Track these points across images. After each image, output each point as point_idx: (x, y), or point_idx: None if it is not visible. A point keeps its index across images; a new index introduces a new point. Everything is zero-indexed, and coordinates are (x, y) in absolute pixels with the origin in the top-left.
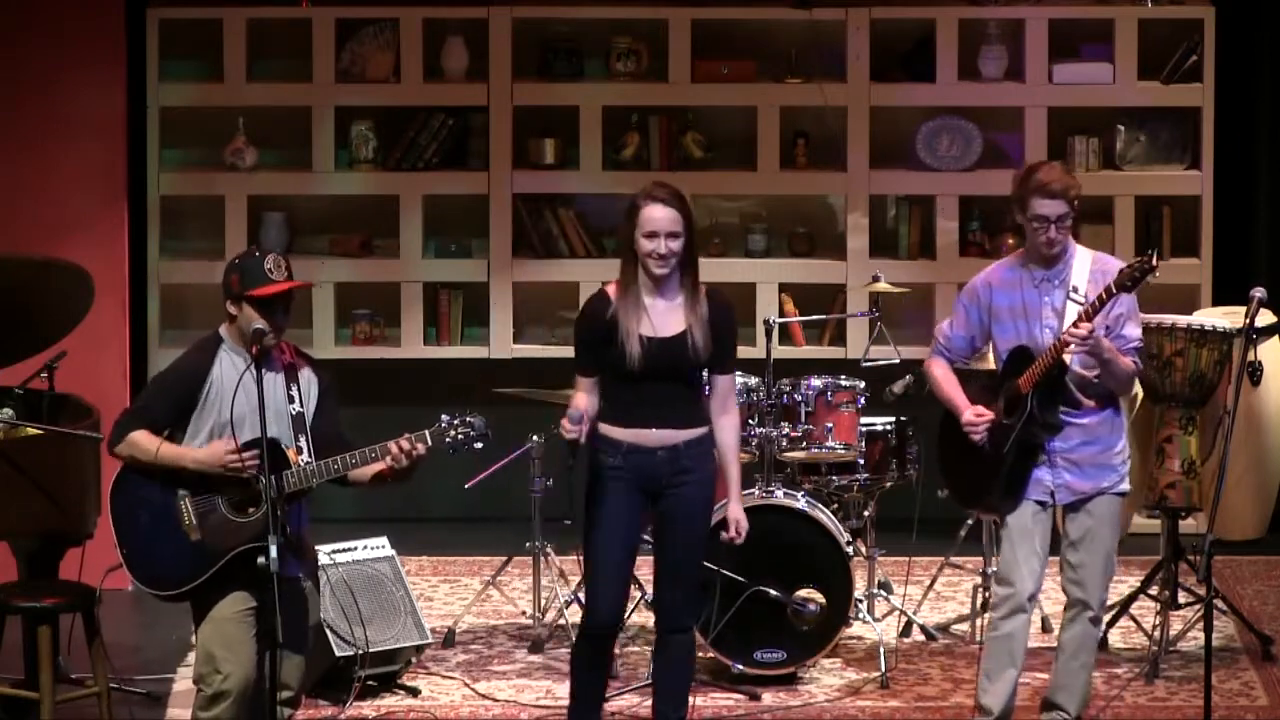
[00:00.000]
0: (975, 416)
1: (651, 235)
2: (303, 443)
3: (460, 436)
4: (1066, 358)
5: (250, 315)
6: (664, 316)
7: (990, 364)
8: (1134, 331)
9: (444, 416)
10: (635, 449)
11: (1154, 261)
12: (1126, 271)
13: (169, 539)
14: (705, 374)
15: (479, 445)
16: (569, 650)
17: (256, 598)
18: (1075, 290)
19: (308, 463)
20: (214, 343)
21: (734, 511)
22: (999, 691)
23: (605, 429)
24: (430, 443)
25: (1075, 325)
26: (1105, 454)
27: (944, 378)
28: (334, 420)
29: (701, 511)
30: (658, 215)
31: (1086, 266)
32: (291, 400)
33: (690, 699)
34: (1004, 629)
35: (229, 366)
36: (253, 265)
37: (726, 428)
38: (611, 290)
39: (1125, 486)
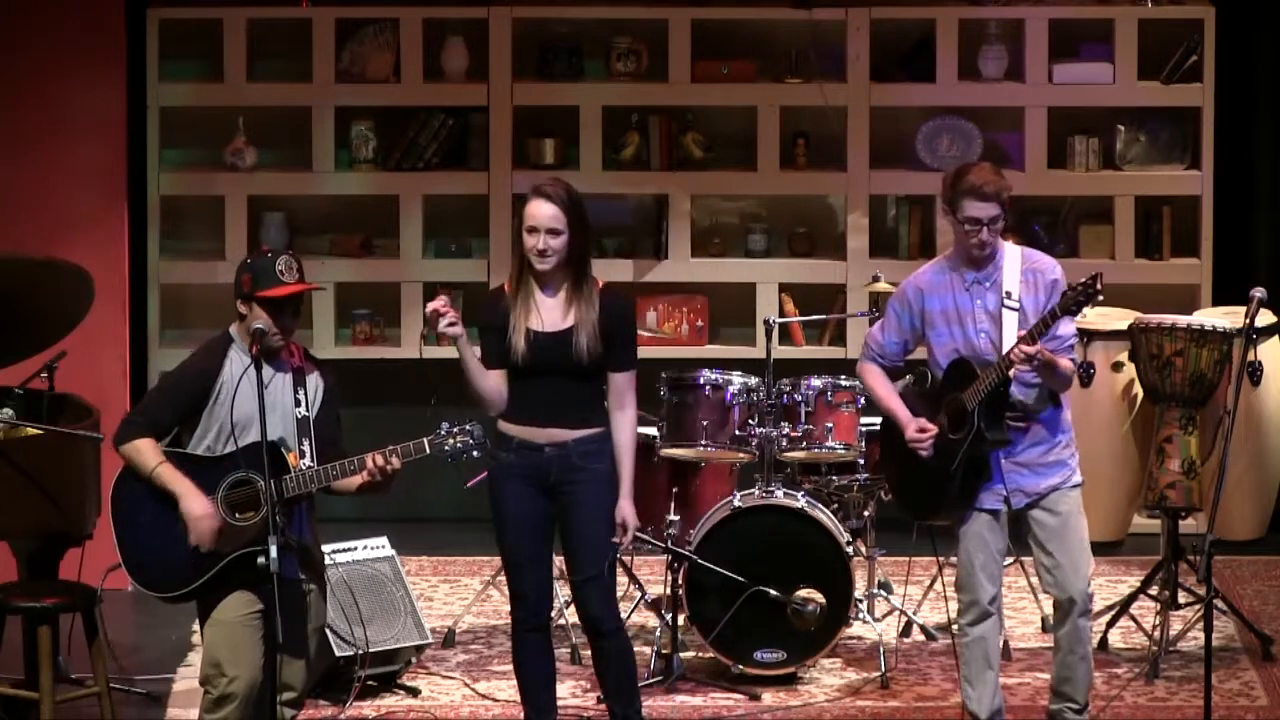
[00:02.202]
0: (919, 432)
1: (532, 230)
2: (305, 446)
3: (459, 445)
4: (1011, 373)
5: (260, 316)
6: (553, 312)
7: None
8: (1068, 329)
9: (444, 424)
10: (524, 445)
11: (1098, 285)
12: (1070, 295)
13: (168, 541)
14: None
15: (477, 454)
16: (568, 650)
17: (262, 600)
18: (1009, 295)
19: (309, 467)
20: (224, 343)
21: (622, 509)
22: (983, 696)
23: (500, 424)
24: (428, 450)
25: (1020, 347)
26: (1051, 451)
27: (880, 386)
28: (333, 425)
29: (596, 506)
30: (538, 211)
31: (1017, 267)
32: (298, 403)
33: (639, 694)
34: (974, 634)
35: (239, 366)
36: (265, 266)
37: (622, 424)
38: (508, 287)
39: (1079, 478)
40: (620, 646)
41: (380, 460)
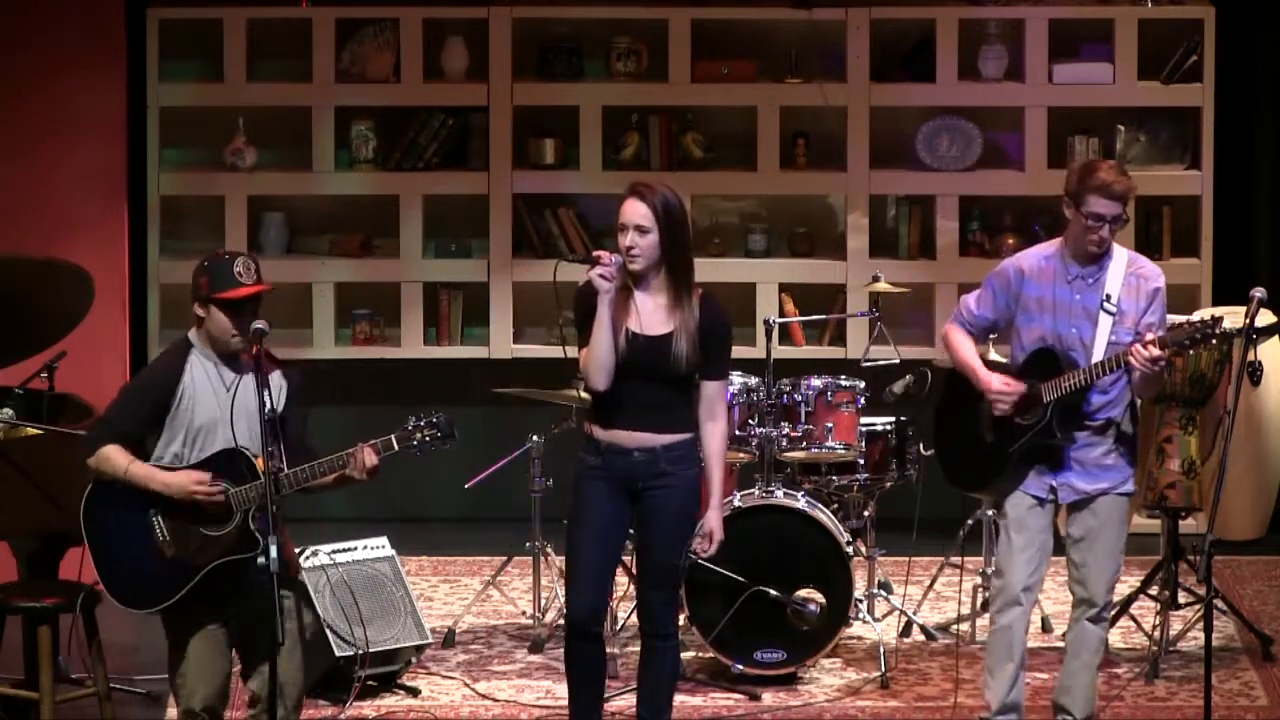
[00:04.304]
0: (1005, 385)
1: (622, 229)
2: (275, 448)
3: (427, 438)
4: (1100, 380)
5: (217, 319)
6: (652, 315)
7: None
8: None
9: (410, 419)
10: (613, 449)
11: (1216, 330)
12: (1184, 330)
13: (143, 556)
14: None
15: (445, 445)
16: None
17: (229, 613)
18: (1109, 298)
19: (279, 470)
20: (184, 348)
21: (710, 521)
22: (998, 686)
23: (588, 428)
24: (396, 447)
25: (1150, 349)
26: (1111, 455)
27: (963, 347)
28: (300, 424)
29: (678, 515)
30: (627, 209)
31: (1121, 270)
32: (263, 404)
33: (672, 705)
34: (1000, 622)
35: (200, 372)
36: (222, 268)
37: (713, 434)
38: None
39: (1130, 487)
40: (673, 657)
41: (370, 459)
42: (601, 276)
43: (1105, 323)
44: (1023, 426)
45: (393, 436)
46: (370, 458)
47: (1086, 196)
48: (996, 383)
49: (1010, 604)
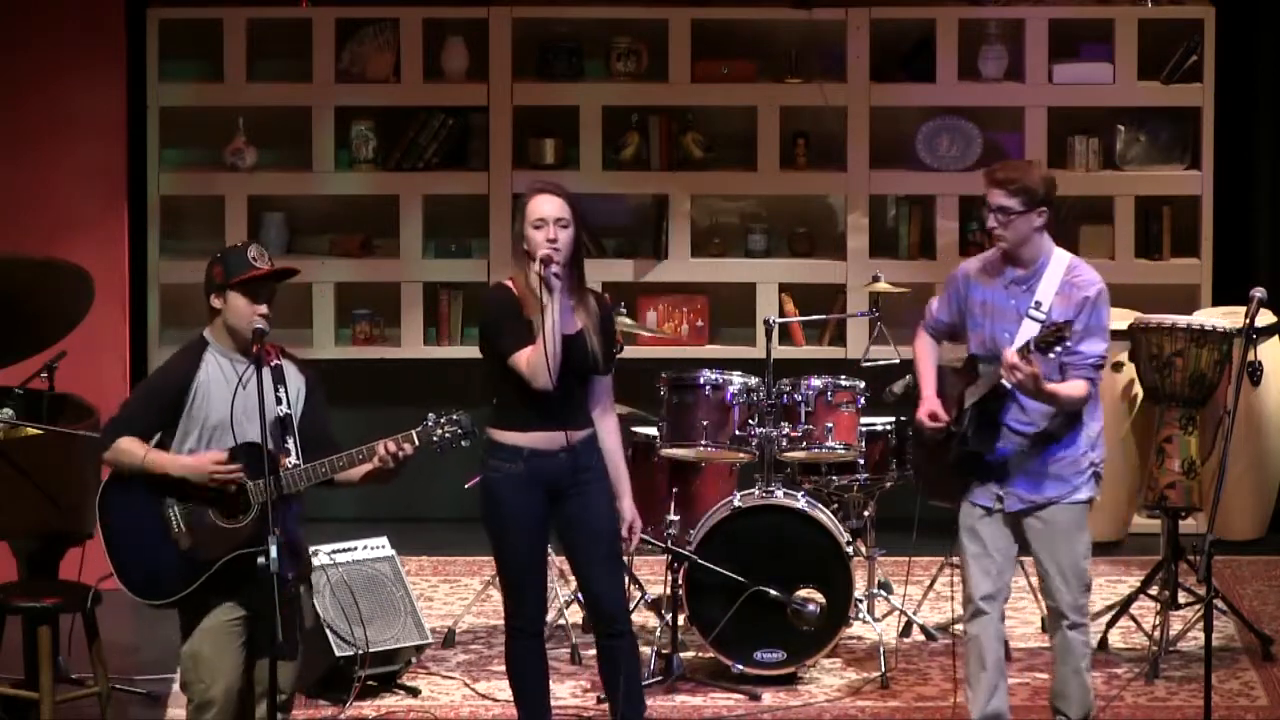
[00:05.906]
0: (926, 418)
1: (541, 223)
2: (290, 444)
3: (448, 435)
4: (1003, 383)
5: (236, 305)
6: (564, 315)
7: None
8: (1094, 348)
9: (430, 415)
10: (537, 453)
11: (1066, 333)
12: (1039, 334)
13: (159, 548)
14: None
15: (465, 443)
16: (568, 650)
17: (244, 605)
18: (1038, 305)
19: (295, 465)
20: (199, 346)
21: (628, 510)
22: (976, 697)
23: (501, 436)
24: (417, 443)
25: (1011, 357)
26: (1052, 464)
27: (922, 357)
28: (322, 420)
29: (609, 508)
30: (545, 204)
31: (1057, 277)
32: (279, 402)
33: (644, 692)
34: (970, 632)
35: (215, 369)
36: (237, 256)
37: (610, 429)
38: (511, 286)
39: (1082, 496)
40: (631, 647)
41: (393, 446)
42: (555, 275)
43: (1027, 329)
44: (955, 435)
45: (413, 432)
46: (406, 447)
47: (985, 185)
48: (922, 410)
49: (975, 614)
